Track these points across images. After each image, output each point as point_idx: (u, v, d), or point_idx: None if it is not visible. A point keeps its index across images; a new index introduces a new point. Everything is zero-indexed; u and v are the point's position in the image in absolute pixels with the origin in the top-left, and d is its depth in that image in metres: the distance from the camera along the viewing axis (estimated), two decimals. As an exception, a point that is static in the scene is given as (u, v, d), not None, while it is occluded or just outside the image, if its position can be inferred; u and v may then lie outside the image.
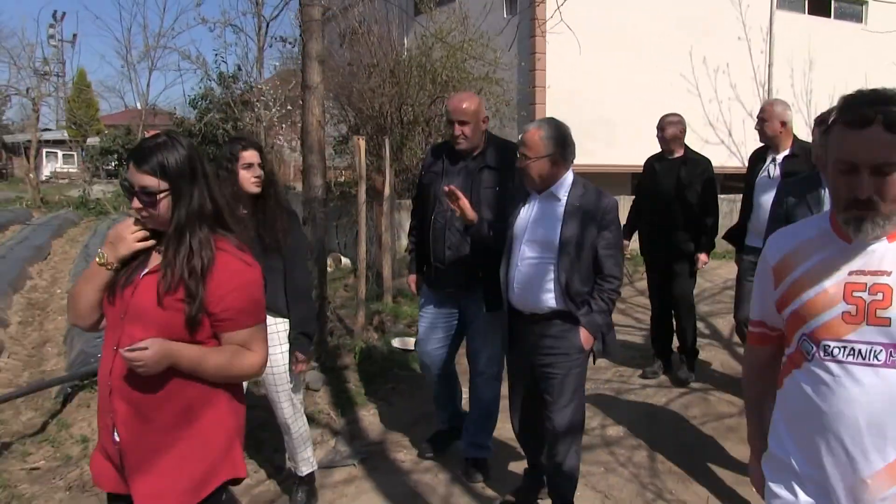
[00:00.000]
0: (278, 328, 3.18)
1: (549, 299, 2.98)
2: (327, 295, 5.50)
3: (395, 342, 5.62)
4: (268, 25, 12.23)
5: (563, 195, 3.01)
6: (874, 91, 1.50)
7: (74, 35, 36.88)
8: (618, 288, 3.06)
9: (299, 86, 12.78)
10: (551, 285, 2.97)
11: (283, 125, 13.68)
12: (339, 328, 5.96)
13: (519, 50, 10.78)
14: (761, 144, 4.37)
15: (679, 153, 4.81)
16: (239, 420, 2.05)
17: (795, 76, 12.96)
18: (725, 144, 12.81)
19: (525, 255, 3.02)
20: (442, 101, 8.93)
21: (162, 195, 1.90)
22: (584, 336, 2.99)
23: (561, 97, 10.71)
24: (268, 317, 2.77)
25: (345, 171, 10.82)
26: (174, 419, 1.90)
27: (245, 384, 2.98)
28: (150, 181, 1.88)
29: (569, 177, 3.05)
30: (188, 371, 1.88)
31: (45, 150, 36.08)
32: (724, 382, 4.90)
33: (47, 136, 37.99)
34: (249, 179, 3.07)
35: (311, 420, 4.27)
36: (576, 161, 3.10)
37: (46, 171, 34.83)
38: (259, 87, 11.76)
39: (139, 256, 1.97)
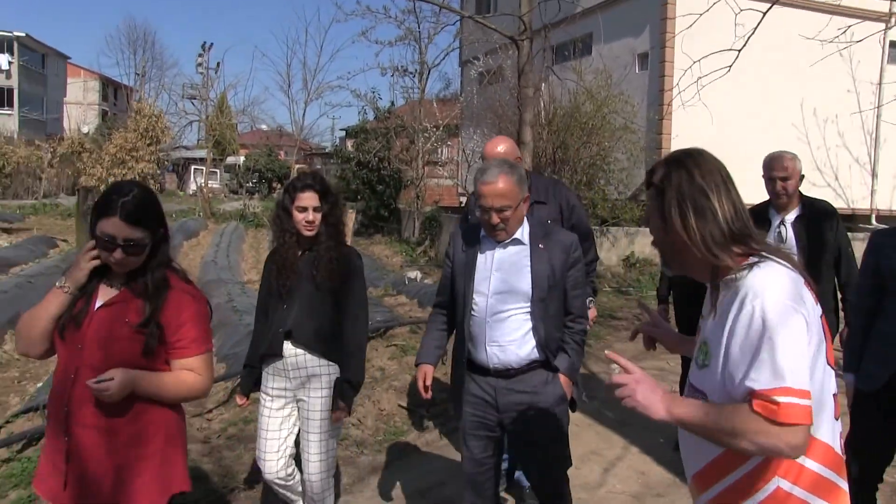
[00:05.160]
0: (330, 371, 3.02)
1: (530, 351, 2.69)
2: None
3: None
4: (429, 71, 15.08)
5: (526, 238, 2.72)
6: None
7: (218, 63, 40.63)
8: (585, 326, 2.84)
9: (452, 117, 15.18)
10: (530, 336, 2.68)
11: (438, 153, 16.32)
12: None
13: (649, 102, 12.68)
14: (764, 200, 3.86)
15: None
16: (184, 436, 2.19)
17: (907, 124, 13.35)
18: (832, 187, 13.84)
19: (496, 309, 2.68)
20: (588, 146, 11.03)
21: (146, 247, 1.99)
22: (566, 383, 2.74)
23: (685, 144, 12.45)
24: (317, 358, 2.94)
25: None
26: (131, 440, 2.01)
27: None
28: (139, 235, 1.95)
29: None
30: (147, 396, 2.01)
31: (193, 167, 39.92)
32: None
33: (191, 154, 41.90)
34: (301, 222, 2.96)
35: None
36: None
37: (193, 185, 37.55)
38: (423, 124, 14.36)
39: (87, 288, 2.02)
